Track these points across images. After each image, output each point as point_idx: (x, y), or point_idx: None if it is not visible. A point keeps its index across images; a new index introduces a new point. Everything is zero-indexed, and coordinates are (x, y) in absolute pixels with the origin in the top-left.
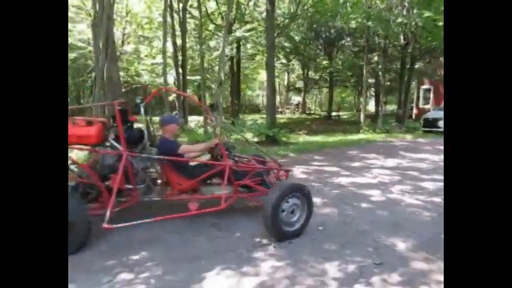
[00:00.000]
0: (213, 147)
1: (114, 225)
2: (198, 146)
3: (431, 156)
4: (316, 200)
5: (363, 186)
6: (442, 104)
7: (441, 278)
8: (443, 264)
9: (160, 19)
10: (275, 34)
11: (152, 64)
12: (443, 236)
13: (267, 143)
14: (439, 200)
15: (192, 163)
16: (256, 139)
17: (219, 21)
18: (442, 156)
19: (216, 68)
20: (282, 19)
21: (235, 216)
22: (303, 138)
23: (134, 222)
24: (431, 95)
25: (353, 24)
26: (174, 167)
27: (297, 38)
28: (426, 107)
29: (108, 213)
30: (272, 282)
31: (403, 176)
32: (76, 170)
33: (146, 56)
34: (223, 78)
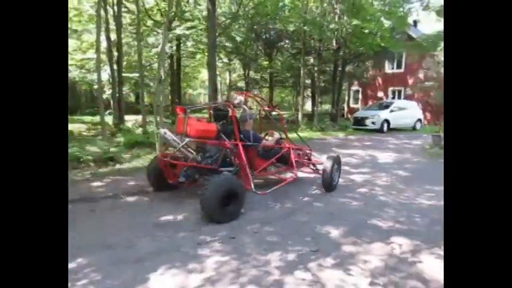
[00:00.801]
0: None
1: (267, 191)
2: (269, 139)
3: (359, 151)
4: (261, 197)
5: (303, 180)
6: (369, 104)
7: (367, 257)
8: (369, 247)
9: (92, 11)
10: (216, 34)
11: (82, 59)
12: (368, 222)
13: None
14: (365, 190)
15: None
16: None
17: (158, 18)
18: (368, 152)
19: (155, 65)
20: (224, 19)
21: (178, 217)
22: None
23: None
24: (360, 96)
25: (291, 27)
26: (258, 153)
27: (238, 38)
28: (355, 106)
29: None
30: (218, 277)
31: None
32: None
33: (75, 50)
34: (163, 76)
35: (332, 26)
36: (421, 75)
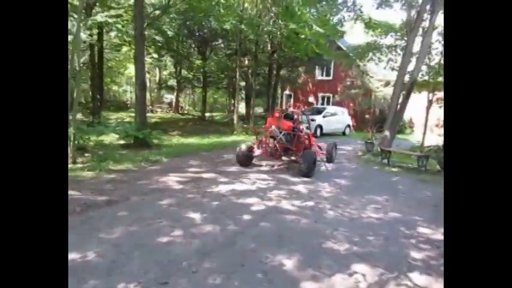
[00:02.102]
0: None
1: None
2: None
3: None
4: (196, 216)
5: (243, 194)
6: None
7: None
8: (331, 281)
9: None
10: (144, 24)
11: None
12: (323, 245)
13: (136, 147)
14: (312, 203)
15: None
16: (122, 141)
17: (75, 2)
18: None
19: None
20: (152, 9)
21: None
22: (177, 139)
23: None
24: (292, 100)
25: (227, 25)
26: (300, 140)
27: (169, 32)
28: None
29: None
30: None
31: (277, 180)
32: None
33: None
34: (77, 69)
35: (268, 28)
36: (348, 83)
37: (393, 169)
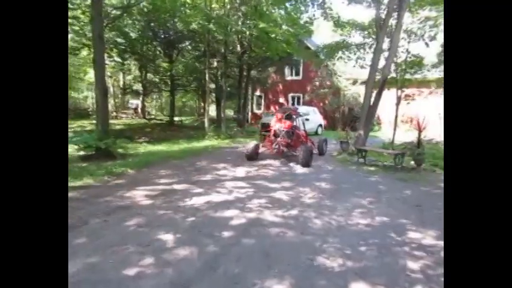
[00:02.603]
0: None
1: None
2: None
3: (274, 161)
4: (168, 238)
5: (220, 206)
6: (272, 109)
7: None
8: None
9: None
10: (104, 24)
11: None
12: (315, 263)
13: (98, 158)
14: (296, 212)
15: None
16: (82, 153)
17: None
18: (282, 160)
19: None
20: (112, 9)
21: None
22: (144, 147)
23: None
24: (263, 101)
25: (194, 25)
26: (298, 136)
27: (132, 34)
28: (259, 112)
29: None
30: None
31: (256, 187)
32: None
33: None
34: None
35: (237, 27)
36: (317, 83)
37: (370, 168)
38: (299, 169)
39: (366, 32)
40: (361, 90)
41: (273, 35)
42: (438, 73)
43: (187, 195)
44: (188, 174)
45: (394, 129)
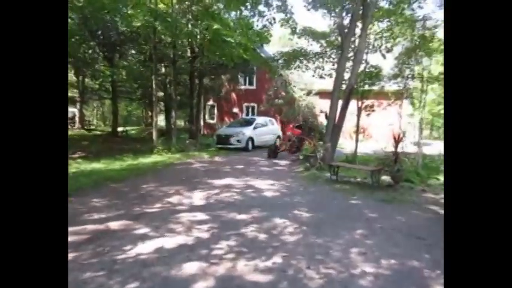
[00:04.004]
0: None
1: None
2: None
3: (235, 181)
4: None
5: (177, 255)
6: (231, 120)
7: None
8: None
9: None
10: None
11: None
12: None
13: None
14: (280, 260)
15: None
16: None
17: None
18: (245, 180)
19: None
20: None
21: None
22: (76, 166)
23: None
24: (216, 111)
25: (138, 23)
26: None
27: None
28: (212, 122)
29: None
30: None
31: (221, 220)
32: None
33: None
34: None
35: (188, 29)
36: (271, 93)
37: (345, 186)
38: (267, 191)
39: (324, 41)
40: (315, 101)
41: (228, 39)
42: (396, 85)
43: (129, 238)
44: (130, 205)
45: (356, 141)
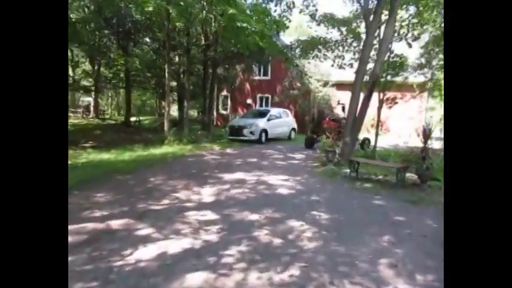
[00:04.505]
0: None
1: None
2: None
3: (247, 176)
4: None
5: (181, 263)
6: (245, 112)
7: None
8: None
9: None
10: None
11: None
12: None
13: None
14: (298, 272)
15: None
16: None
17: None
18: (257, 175)
19: None
20: None
21: None
22: (87, 156)
23: None
24: (229, 102)
25: (150, 7)
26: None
27: (72, 16)
28: (225, 113)
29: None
30: None
31: (231, 221)
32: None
33: None
34: None
35: (202, 15)
36: (286, 83)
37: (366, 184)
38: (282, 188)
39: (345, 28)
40: (332, 92)
41: (244, 24)
42: (422, 76)
43: (129, 241)
44: (135, 200)
45: (376, 135)
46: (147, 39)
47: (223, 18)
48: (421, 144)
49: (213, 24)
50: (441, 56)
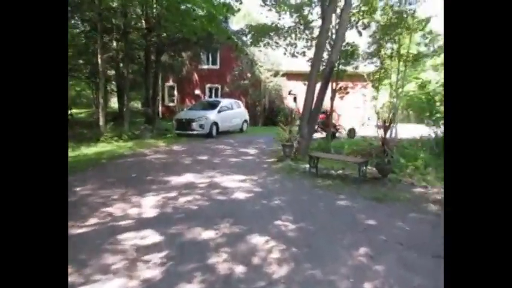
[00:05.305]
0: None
1: None
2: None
3: (197, 177)
4: None
5: None
6: (193, 103)
7: None
8: None
9: None
10: None
11: None
12: None
13: None
14: None
15: None
16: None
17: None
18: (209, 176)
19: None
20: None
21: None
22: None
23: None
24: (176, 93)
25: None
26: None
27: None
28: (171, 105)
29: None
30: None
31: (181, 248)
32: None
33: None
34: None
35: None
36: (237, 73)
37: (327, 181)
38: (238, 191)
39: (297, 15)
40: (282, 82)
41: (189, 5)
42: (372, 65)
43: None
44: None
45: (329, 127)
46: (76, 21)
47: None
48: (372, 134)
49: (154, 5)
50: (389, 45)
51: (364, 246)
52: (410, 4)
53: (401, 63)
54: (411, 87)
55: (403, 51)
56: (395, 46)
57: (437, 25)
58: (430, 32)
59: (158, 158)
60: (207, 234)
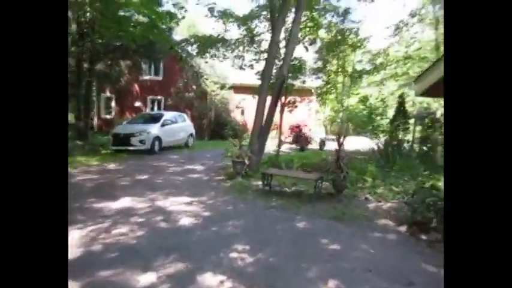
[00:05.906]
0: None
1: None
2: None
3: (137, 203)
4: None
5: None
6: (133, 116)
7: None
8: None
9: None
10: None
11: None
12: None
13: None
14: None
15: None
16: None
17: None
18: (151, 199)
19: None
20: None
21: None
22: None
23: None
24: (114, 105)
25: None
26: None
27: None
28: (109, 117)
29: None
30: None
31: None
32: None
33: None
34: None
35: None
36: (181, 85)
37: (281, 200)
38: (185, 217)
39: (245, 28)
40: (229, 96)
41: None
42: (318, 80)
43: None
44: None
45: (280, 141)
46: None
47: (101, 3)
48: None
49: (87, 8)
50: (334, 61)
51: (333, 278)
52: (353, 22)
53: (346, 78)
54: (352, 101)
55: (348, 67)
56: (340, 62)
57: (376, 44)
58: (369, 51)
59: (89, 179)
60: (147, 278)
